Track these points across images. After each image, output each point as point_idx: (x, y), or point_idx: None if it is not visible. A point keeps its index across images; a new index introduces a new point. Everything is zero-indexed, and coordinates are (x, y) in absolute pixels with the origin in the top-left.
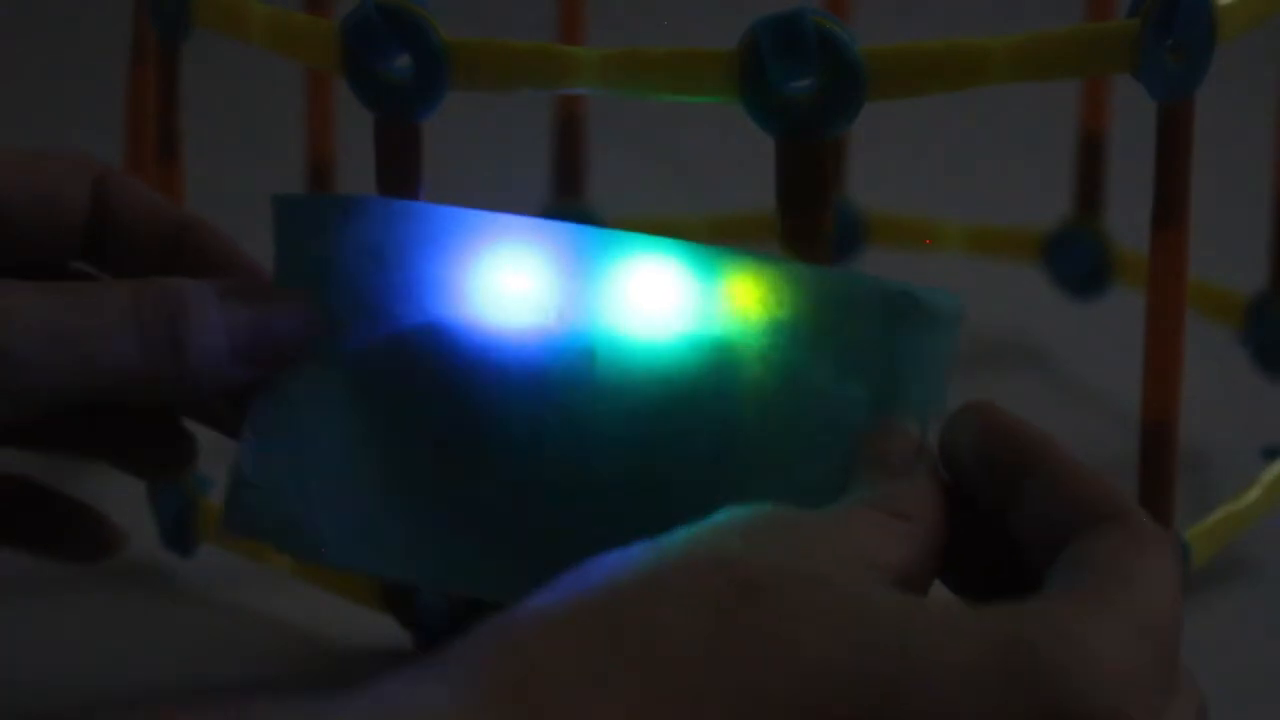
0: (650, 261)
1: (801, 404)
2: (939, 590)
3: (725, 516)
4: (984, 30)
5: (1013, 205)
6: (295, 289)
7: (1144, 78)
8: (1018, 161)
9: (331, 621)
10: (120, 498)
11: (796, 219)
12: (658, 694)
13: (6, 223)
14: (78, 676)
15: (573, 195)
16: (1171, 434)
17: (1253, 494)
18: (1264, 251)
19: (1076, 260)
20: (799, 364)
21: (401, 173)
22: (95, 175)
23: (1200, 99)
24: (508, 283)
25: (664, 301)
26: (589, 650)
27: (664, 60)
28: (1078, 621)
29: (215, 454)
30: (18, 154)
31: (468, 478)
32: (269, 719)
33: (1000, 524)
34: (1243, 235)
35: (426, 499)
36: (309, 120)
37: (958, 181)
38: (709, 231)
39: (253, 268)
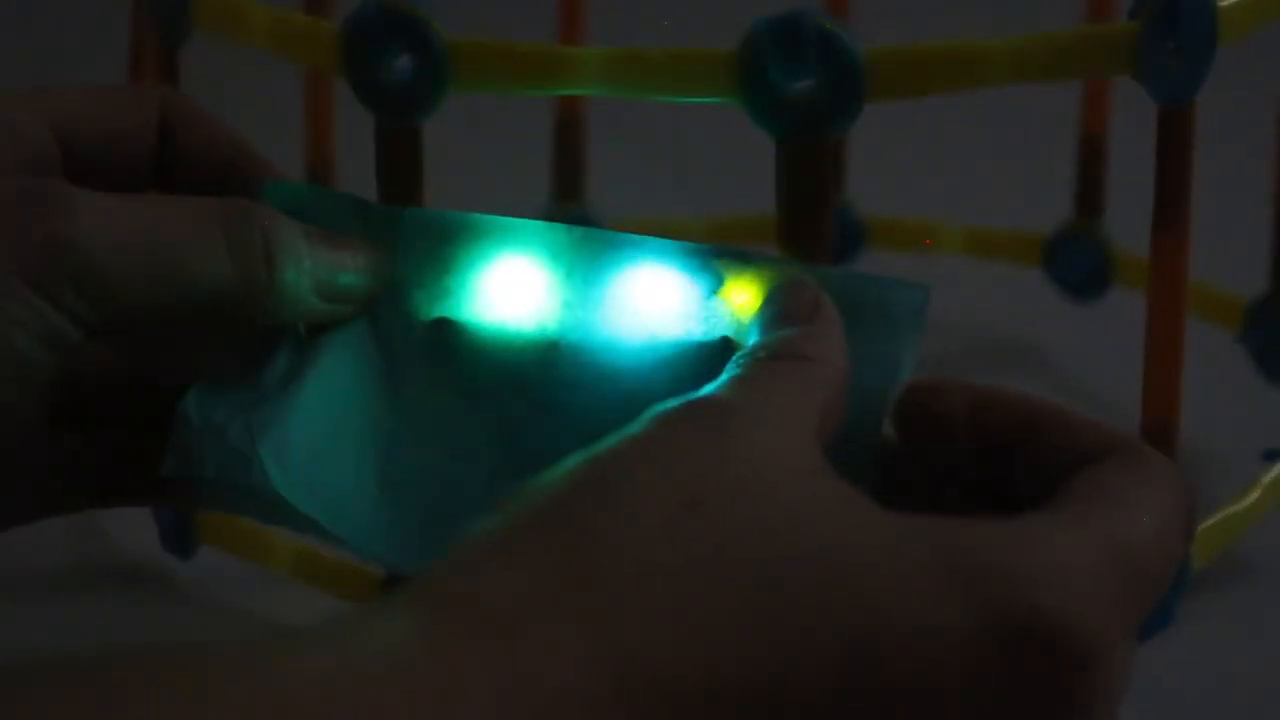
0: (650, 265)
1: None
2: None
3: (658, 419)
4: (984, 31)
5: (1013, 207)
6: (373, 242)
7: (1145, 80)
8: (1018, 163)
9: None
10: None
11: (797, 219)
12: (607, 610)
13: (79, 156)
14: None
15: (572, 197)
16: (1171, 436)
17: (1252, 496)
18: (1264, 254)
19: (1076, 262)
20: None
21: (402, 173)
22: (161, 103)
23: (1201, 101)
24: (505, 285)
25: (661, 304)
26: (540, 569)
27: (665, 61)
28: (1038, 533)
29: None
30: (86, 90)
31: (445, 464)
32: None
33: (992, 491)
34: (1243, 238)
35: (401, 481)
36: (309, 120)
37: (958, 183)
38: (708, 234)
39: None
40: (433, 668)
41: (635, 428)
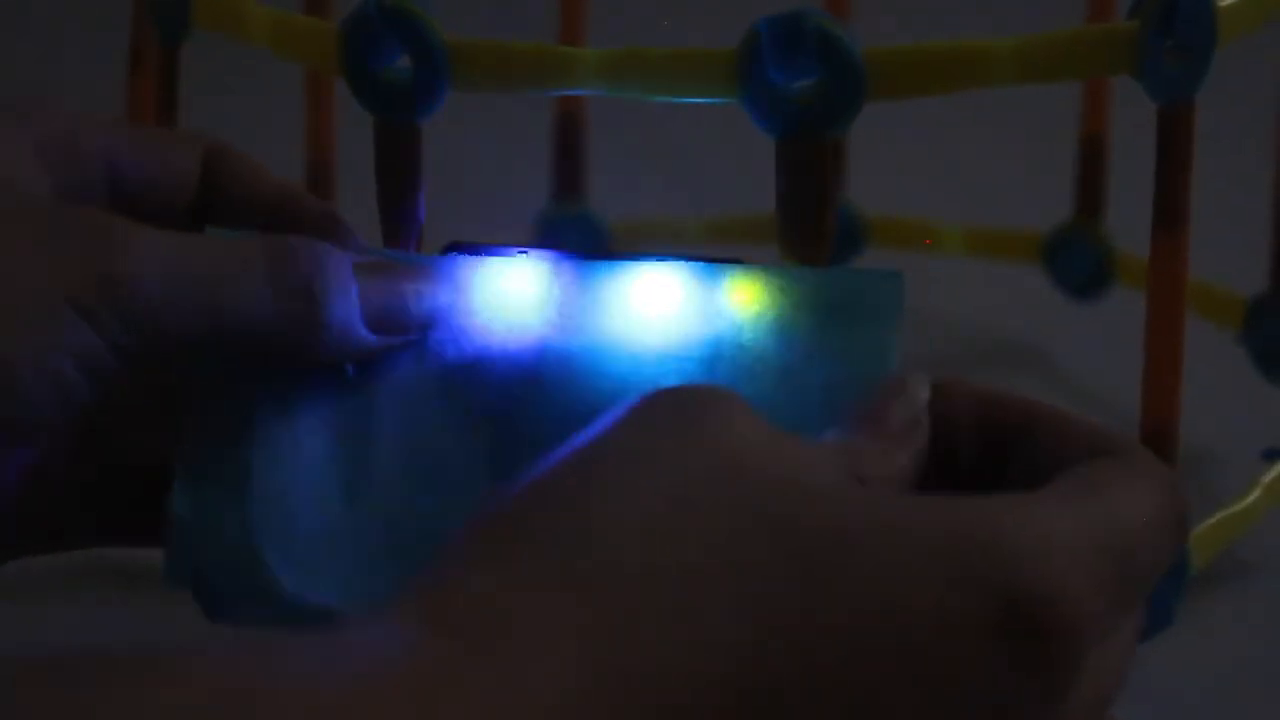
0: (644, 277)
1: (775, 392)
2: None
3: (636, 408)
4: (984, 31)
5: (1013, 207)
6: (425, 266)
7: (1144, 79)
8: (1018, 163)
9: None
10: None
11: (796, 219)
12: (603, 623)
13: (124, 196)
14: None
15: (572, 197)
16: (1172, 436)
17: (1252, 496)
18: (1264, 253)
19: (1077, 262)
20: (768, 355)
21: (401, 173)
22: (205, 149)
23: (1200, 101)
24: (494, 312)
25: (660, 312)
26: (532, 581)
27: (665, 60)
28: (1033, 512)
29: None
30: (133, 130)
31: (440, 503)
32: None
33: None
34: (1243, 237)
35: (396, 524)
36: (309, 121)
37: (958, 183)
38: (708, 234)
39: (354, 237)
40: (426, 681)
41: (614, 417)
